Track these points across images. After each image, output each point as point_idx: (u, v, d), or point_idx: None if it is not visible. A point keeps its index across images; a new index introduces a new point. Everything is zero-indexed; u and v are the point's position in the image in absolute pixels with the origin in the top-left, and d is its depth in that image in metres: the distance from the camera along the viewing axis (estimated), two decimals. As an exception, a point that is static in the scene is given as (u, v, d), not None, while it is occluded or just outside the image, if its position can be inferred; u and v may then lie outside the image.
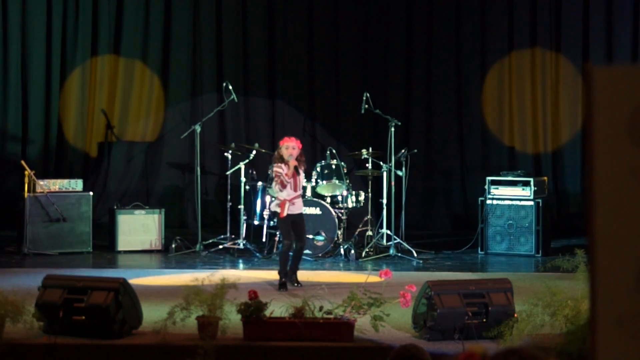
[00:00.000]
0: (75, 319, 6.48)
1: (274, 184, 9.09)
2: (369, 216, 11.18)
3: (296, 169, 9.01)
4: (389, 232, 11.05)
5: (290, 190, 8.97)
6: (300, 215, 9.12)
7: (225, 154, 11.68)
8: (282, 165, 8.98)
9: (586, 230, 1.22)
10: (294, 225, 9.01)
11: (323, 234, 10.76)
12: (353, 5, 14.26)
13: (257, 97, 14.04)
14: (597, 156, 1.21)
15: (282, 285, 8.77)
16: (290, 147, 9.05)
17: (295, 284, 8.88)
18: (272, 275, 9.50)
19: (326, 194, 11.12)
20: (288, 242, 8.96)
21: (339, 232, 10.79)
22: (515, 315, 6.42)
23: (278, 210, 9.01)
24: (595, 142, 1.22)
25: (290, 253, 8.98)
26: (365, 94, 11.43)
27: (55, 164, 13.20)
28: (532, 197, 11.10)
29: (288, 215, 8.92)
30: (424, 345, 5.69)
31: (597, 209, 1.22)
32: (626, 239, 1.23)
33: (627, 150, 1.21)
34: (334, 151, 11.37)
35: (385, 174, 11.22)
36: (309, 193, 11.14)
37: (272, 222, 11.17)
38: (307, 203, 10.85)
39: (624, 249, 1.23)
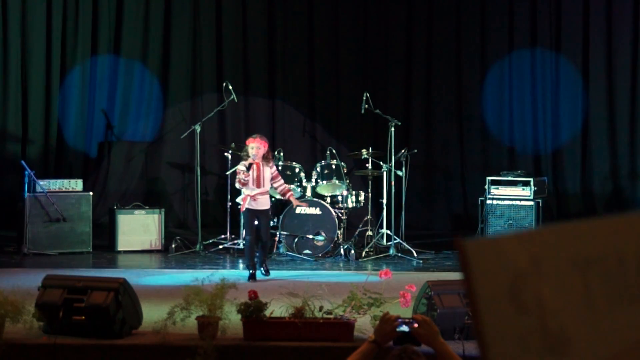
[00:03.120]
0: (75, 319, 6.48)
1: (239, 182, 9.44)
2: (369, 216, 11.18)
3: (262, 166, 9.32)
4: (389, 232, 11.05)
5: (253, 187, 9.32)
6: (263, 211, 9.45)
7: (225, 154, 11.69)
8: (245, 164, 9.30)
9: None
10: (258, 220, 9.45)
11: (323, 234, 10.76)
12: (353, 6, 14.26)
13: (257, 97, 14.04)
14: (486, 326, 1.23)
15: (251, 277, 9.21)
16: (255, 147, 9.29)
17: (264, 273, 9.40)
18: (272, 275, 9.51)
19: (326, 194, 11.12)
20: (251, 238, 9.37)
21: (339, 232, 10.79)
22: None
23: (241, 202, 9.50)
24: (482, 313, 1.23)
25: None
26: (365, 94, 11.43)
27: (55, 164, 13.20)
28: (532, 197, 11.10)
29: (251, 210, 9.33)
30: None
31: None
32: None
33: (512, 319, 1.23)
34: (334, 151, 11.38)
35: (385, 174, 11.22)
36: (309, 193, 11.15)
37: (271, 222, 11.17)
38: (307, 203, 10.86)
39: None
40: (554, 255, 1.26)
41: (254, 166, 9.28)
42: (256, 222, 9.48)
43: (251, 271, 9.26)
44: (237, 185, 9.46)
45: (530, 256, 1.24)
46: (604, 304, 1.25)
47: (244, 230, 9.68)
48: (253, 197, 9.32)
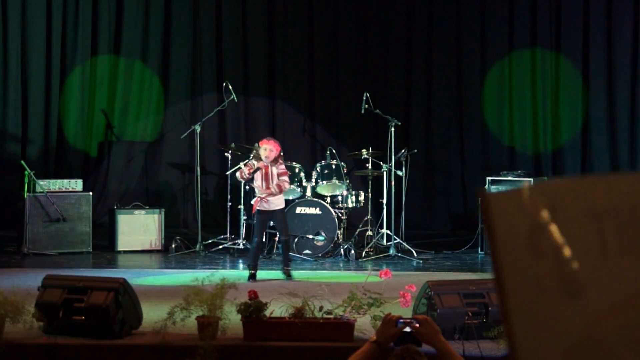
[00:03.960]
0: (75, 319, 6.48)
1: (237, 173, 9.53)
2: (369, 216, 11.17)
3: (270, 167, 9.30)
4: (389, 232, 11.05)
5: (262, 189, 9.31)
6: (277, 210, 9.41)
7: (225, 154, 11.69)
8: (250, 163, 9.32)
9: (506, 343, 1.35)
10: (274, 220, 9.51)
11: (323, 234, 10.76)
12: (353, 6, 14.26)
13: (257, 97, 14.04)
14: (505, 271, 1.33)
15: (251, 277, 9.17)
16: (268, 149, 9.29)
17: (287, 277, 9.21)
18: (272, 275, 9.51)
19: (326, 194, 11.12)
20: (258, 240, 9.35)
21: (339, 232, 10.79)
22: (515, 315, 6.41)
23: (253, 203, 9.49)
24: (501, 259, 1.33)
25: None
26: (365, 94, 11.43)
27: (55, 164, 13.20)
28: (532, 197, 11.08)
29: (263, 211, 9.31)
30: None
31: (512, 320, 1.33)
32: (545, 346, 1.34)
33: (530, 263, 1.33)
34: (334, 151, 11.37)
35: (385, 174, 11.22)
36: (309, 193, 11.15)
37: (272, 222, 11.17)
38: (307, 203, 10.86)
39: (544, 355, 1.33)
40: (570, 205, 1.33)
41: (262, 170, 9.27)
42: (271, 223, 9.49)
43: (252, 271, 9.24)
44: (237, 175, 9.54)
45: (548, 206, 1.33)
46: (617, 252, 1.32)
47: (254, 231, 9.61)
48: (263, 199, 9.30)
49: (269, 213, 9.36)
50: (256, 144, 9.49)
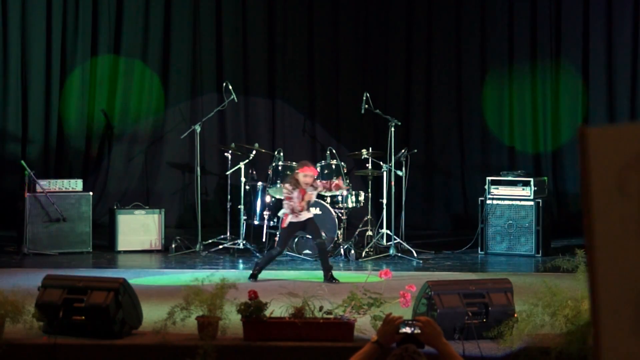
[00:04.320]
0: (75, 319, 6.48)
1: (284, 203, 9.32)
2: (369, 216, 11.17)
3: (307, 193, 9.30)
4: (389, 232, 11.05)
5: (299, 211, 9.25)
6: (308, 219, 9.38)
7: (225, 154, 11.69)
8: (292, 190, 9.20)
9: (587, 275, 1.39)
10: (305, 227, 9.40)
11: (323, 234, 10.75)
12: (353, 6, 14.26)
13: (257, 97, 14.04)
14: (595, 206, 1.38)
15: (251, 276, 9.14)
16: (308, 175, 9.27)
17: (333, 281, 9.10)
18: (272, 275, 9.51)
19: (326, 194, 11.12)
20: (280, 250, 9.38)
21: (339, 232, 10.79)
22: (515, 315, 6.41)
23: (282, 217, 9.40)
24: (592, 194, 1.38)
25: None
26: (365, 94, 11.43)
27: (55, 164, 13.20)
28: (532, 197, 11.09)
29: (294, 223, 9.26)
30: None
31: (596, 256, 1.40)
32: (621, 283, 1.38)
33: (617, 202, 1.37)
34: (334, 151, 11.37)
35: (385, 174, 11.22)
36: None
37: (272, 222, 11.17)
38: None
39: (620, 292, 1.38)
40: None
41: (300, 194, 9.23)
42: (303, 234, 9.65)
43: (256, 272, 9.21)
44: (288, 210, 9.25)
45: (637, 151, 1.37)
46: None
47: (278, 241, 9.58)
48: (297, 215, 9.26)
49: (301, 224, 9.33)
50: (295, 167, 9.42)
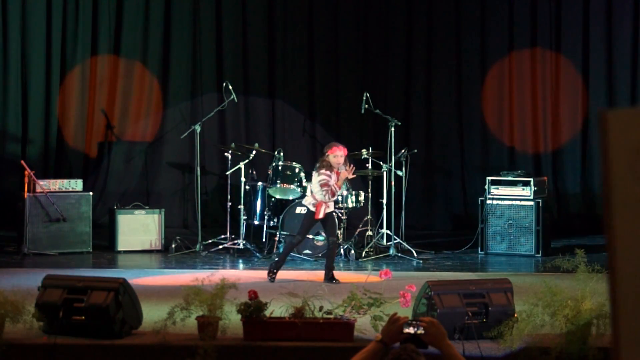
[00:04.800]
0: (75, 319, 6.48)
1: (321, 192, 9.16)
2: (369, 216, 11.18)
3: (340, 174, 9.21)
4: (389, 232, 11.05)
5: (330, 196, 9.21)
6: (331, 212, 9.36)
7: (225, 154, 11.68)
8: (330, 174, 9.15)
9: (607, 257, 1.40)
10: (324, 222, 9.32)
11: (323, 234, 10.75)
12: (353, 6, 14.26)
13: (257, 97, 14.04)
14: (614, 190, 1.40)
15: (271, 276, 9.09)
16: (339, 155, 9.20)
17: (333, 281, 9.08)
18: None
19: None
20: (300, 239, 9.36)
21: (339, 232, 10.79)
22: (515, 315, 6.42)
23: (312, 208, 9.24)
24: (612, 178, 1.41)
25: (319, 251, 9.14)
26: (365, 94, 11.43)
27: (55, 164, 13.20)
28: (532, 197, 11.10)
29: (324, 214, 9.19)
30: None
31: (615, 238, 1.43)
32: (635, 263, 1.41)
33: (630, 186, 1.40)
34: (334, 151, 11.36)
35: (385, 174, 11.23)
36: (309, 193, 11.13)
37: (272, 222, 11.17)
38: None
39: (638, 274, 1.39)
40: None
41: (335, 175, 9.20)
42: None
43: (275, 270, 9.15)
44: (325, 197, 9.13)
45: None
46: None
47: (300, 229, 9.46)
48: (326, 204, 9.22)
49: (326, 216, 9.28)
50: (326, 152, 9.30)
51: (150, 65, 13.66)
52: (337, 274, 9.38)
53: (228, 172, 11.53)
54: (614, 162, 1.38)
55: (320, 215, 9.15)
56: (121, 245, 11.13)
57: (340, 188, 9.24)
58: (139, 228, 11.23)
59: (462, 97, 14.00)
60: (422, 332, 3.52)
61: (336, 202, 11.04)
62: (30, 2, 13.08)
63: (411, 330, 3.54)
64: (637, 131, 1.37)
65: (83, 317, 6.47)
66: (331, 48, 14.21)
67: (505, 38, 13.84)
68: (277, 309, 6.48)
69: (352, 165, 9.36)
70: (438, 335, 3.53)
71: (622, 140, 1.38)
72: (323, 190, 9.14)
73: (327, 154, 9.27)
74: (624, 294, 1.37)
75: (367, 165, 11.32)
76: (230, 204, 11.55)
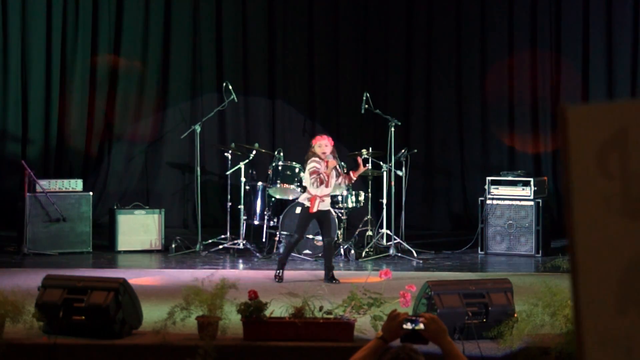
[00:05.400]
0: (75, 319, 6.48)
1: (310, 180, 9.13)
2: (369, 216, 11.18)
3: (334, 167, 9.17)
4: (389, 232, 11.05)
5: (324, 188, 9.13)
6: (328, 211, 9.33)
7: (225, 154, 11.68)
8: (320, 161, 9.09)
9: (568, 256, 1.39)
10: (321, 220, 9.27)
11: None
12: (353, 6, 14.26)
13: (257, 97, 14.04)
14: (574, 186, 1.39)
15: (276, 277, 9.06)
16: (323, 144, 9.16)
17: (333, 281, 9.06)
18: (273, 275, 9.49)
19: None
20: (299, 237, 9.26)
21: (339, 232, 10.79)
22: (515, 315, 6.42)
23: (307, 203, 9.18)
24: (572, 173, 1.39)
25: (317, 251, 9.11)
26: (365, 94, 11.43)
27: (55, 164, 13.19)
28: (532, 197, 11.10)
29: (317, 210, 9.11)
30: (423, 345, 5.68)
31: (576, 236, 1.40)
32: (604, 262, 1.39)
33: (598, 181, 1.38)
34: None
35: (385, 174, 11.23)
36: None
37: (272, 222, 11.17)
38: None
39: (602, 271, 1.39)
40: None
41: (324, 164, 9.10)
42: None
43: (279, 271, 9.13)
44: (314, 185, 9.08)
45: (620, 126, 1.36)
46: None
47: (297, 228, 9.39)
48: (321, 198, 9.14)
49: (319, 214, 9.21)
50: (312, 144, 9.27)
51: (150, 65, 13.66)
52: (337, 273, 9.37)
53: (228, 172, 11.53)
54: (576, 158, 1.37)
55: (315, 209, 9.04)
56: (121, 245, 11.13)
57: (329, 176, 9.09)
58: (139, 228, 11.23)
59: (462, 97, 14.00)
60: (422, 327, 3.52)
61: (336, 202, 11.05)
62: (30, 2, 13.07)
63: (411, 326, 3.54)
64: (604, 126, 1.36)
65: (83, 317, 6.47)
66: (331, 48, 14.21)
67: (505, 38, 13.84)
68: (277, 309, 6.48)
69: (366, 166, 9.40)
70: (438, 332, 3.53)
71: (587, 135, 1.37)
72: (312, 178, 9.08)
73: (312, 144, 9.27)
74: (587, 294, 1.37)
75: (367, 165, 11.32)
76: (230, 204, 11.55)
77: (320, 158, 9.13)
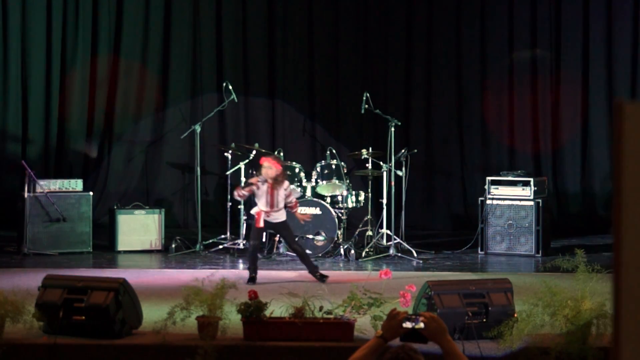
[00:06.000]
0: (75, 319, 6.48)
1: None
2: (369, 216, 11.17)
3: (276, 189, 9.22)
4: (389, 232, 11.05)
5: (267, 206, 9.21)
6: (281, 223, 9.35)
7: (225, 154, 11.69)
8: (259, 178, 9.25)
9: (613, 249, 1.41)
10: (280, 232, 9.45)
11: (323, 234, 10.76)
12: (353, 6, 14.26)
13: (257, 97, 14.04)
14: (626, 181, 1.40)
15: (250, 280, 9.05)
16: (266, 166, 9.27)
17: (323, 279, 9.15)
18: (273, 275, 9.51)
19: (326, 194, 11.12)
20: (254, 243, 9.28)
21: (339, 232, 10.79)
22: (515, 315, 6.42)
23: (254, 214, 9.35)
24: (624, 169, 1.41)
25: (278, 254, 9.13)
26: (365, 94, 11.43)
27: (55, 164, 13.20)
28: (532, 197, 11.10)
29: (265, 222, 9.26)
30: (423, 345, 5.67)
31: (625, 231, 1.43)
32: None
33: None
34: (334, 151, 11.38)
35: (385, 174, 11.22)
36: (309, 193, 11.14)
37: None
38: (307, 203, 10.86)
39: None
40: None
41: (268, 187, 9.19)
42: (303, 234, 9.46)
43: (251, 275, 9.17)
44: (235, 193, 9.34)
45: None
46: None
47: (251, 234, 9.53)
48: (267, 213, 9.24)
49: (272, 225, 9.37)
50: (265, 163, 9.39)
51: (150, 65, 13.66)
52: (337, 273, 9.38)
53: (228, 172, 11.54)
54: (631, 154, 1.38)
55: (260, 224, 9.20)
56: (121, 245, 11.13)
57: (273, 195, 9.16)
58: (139, 228, 11.23)
59: (462, 97, 14.00)
60: (422, 326, 3.51)
61: (336, 202, 11.05)
62: (30, 2, 13.07)
63: (411, 325, 3.54)
64: None
65: (83, 317, 6.47)
66: (331, 48, 14.21)
67: (505, 39, 13.84)
68: (277, 309, 6.48)
69: (305, 213, 9.59)
70: (438, 330, 3.52)
71: None
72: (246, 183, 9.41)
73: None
74: (629, 291, 1.37)
75: (367, 165, 11.32)
76: (230, 204, 11.55)
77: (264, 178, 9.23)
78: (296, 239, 9.65)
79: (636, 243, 1.38)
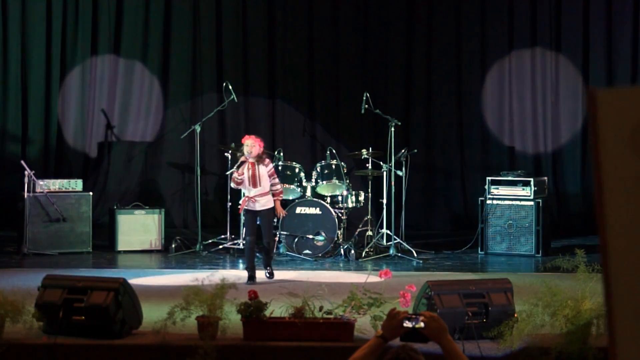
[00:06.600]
0: (75, 319, 6.48)
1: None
2: (369, 216, 11.17)
3: (257, 165, 9.23)
4: (389, 232, 11.05)
5: (250, 187, 9.24)
6: (266, 211, 9.33)
7: (225, 154, 11.69)
8: (243, 163, 9.27)
9: (598, 236, 1.39)
10: (260, 220, 9.36)
11: (323, 234, 10.76)
12: (353, 6, 14.25)
13: (257, 97, 14.03)
14: (604, 169, 1.41)
15: (249, 279, 9.10)
16: (249, 144, 9.27)
17: (268, 276, 9.29)
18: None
19: (326, 194, 11.12)
20: (250, 239, 9.28)
21: (339, 232, 10.79)
22: (515, 315, 6.42)
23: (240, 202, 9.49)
24: (602, 156, 1.41)
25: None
26: (365, 94, 11.43)
27: (55, 164, 13.19)
28: (532, 197, 11.10)
29: (251, 211, 9.26)
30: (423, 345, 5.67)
31: (607, 215, 1.42)
32: (636, 240, 1.40)
33: (630, 161, 1.40)
34: (334, 151, 11.38)
35: (385, 174, 11.22)
36: (308, 193, 11.15)
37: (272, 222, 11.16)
38: (307, 203, 10.86)
39: (635, 248, 1.37)
40: None
41: (249, 165, 9.20)
42: (258, 222, 9.45)
43: (250, 273, 9.19)
44: (232, 185, 9.47)
45: None
46: None
47: (244, 231, 9.60)
48: (252, 199, 9.25)
49: (256, 213, 9.31)
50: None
51: (150, 65, 13.66)
52: (337, 273, 9.38)
53: (228, 172, 11.53)
54: (607, 140, 1.38)
55: (241, 210, 9.34)
56: (121, 245, 11.13)
57: (255, 177, 9.16)
58: (139, 228, 11.23)
59: (462, 97, 13.99)
60: (422, 326, 3.51)
61: (336, 202, 11.05)
62: (30, 2, 13.07)
63: (411, 324, 3.53)
64: (637, 108, 1.38)
65: (83, 317, 6.47)
66: (331, 48, 14.21)
67: (505, 38, 13.84)
68: (277, 309, 6.48)
69: (284, 213, 9.74)
70: (438, 330, 3.52)
71: (618, 118, 1.38)
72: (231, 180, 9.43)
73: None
74: (618, 272, 1.38)
75: (367, 165, 11.32)
76: (230, 204, 11.55)
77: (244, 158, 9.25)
78: (275, 238, 9.68)
79: (620, 227, 1.39)
